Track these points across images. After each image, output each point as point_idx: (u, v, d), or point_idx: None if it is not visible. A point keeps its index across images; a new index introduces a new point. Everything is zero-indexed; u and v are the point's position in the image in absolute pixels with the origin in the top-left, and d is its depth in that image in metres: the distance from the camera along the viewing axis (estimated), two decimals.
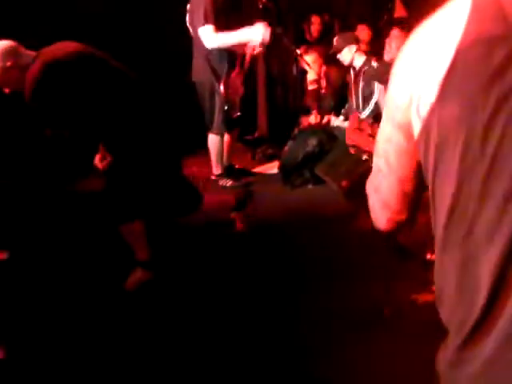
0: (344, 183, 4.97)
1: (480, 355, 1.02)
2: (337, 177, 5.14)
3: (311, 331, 3.21)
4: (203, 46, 5.19)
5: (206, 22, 5.05)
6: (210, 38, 5.08)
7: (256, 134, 6.76)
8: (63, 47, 3.36)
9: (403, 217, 1.25)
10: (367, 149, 1.48)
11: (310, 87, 6.56)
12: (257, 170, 6.13)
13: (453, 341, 1.08)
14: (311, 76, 6.50)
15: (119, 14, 5.95)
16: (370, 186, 1.29)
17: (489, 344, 1.00)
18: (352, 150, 1.52)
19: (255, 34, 5.14)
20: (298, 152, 5.53)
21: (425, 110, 1.03)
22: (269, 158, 6.34)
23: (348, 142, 1.51)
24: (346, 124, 5.56)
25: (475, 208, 1.00)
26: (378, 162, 1.22)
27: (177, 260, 4.07)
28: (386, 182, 1.22)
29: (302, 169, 5.55)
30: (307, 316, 3.38)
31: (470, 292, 1.03)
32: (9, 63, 3.36)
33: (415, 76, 1.05)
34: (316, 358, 2.97)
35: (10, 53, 3.38)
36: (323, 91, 6.59)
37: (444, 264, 1.09)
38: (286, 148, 5.69)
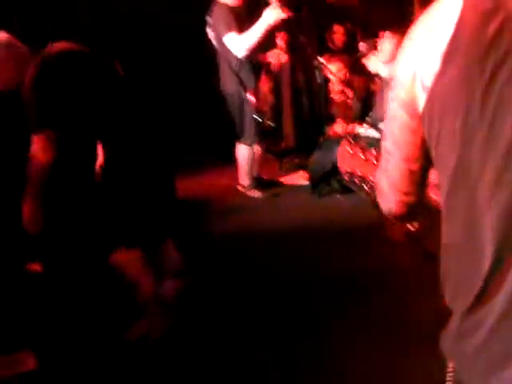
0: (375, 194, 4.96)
1: (487, 320, 1.06)
2: (366, 185, 5.12)
3: (335, 345, 3.22)
4: (229, 57, 5.24)
5: (229, 30, 5.10)
6: (237, 44, 5.12)
7: (282, 145, 6.77)
8: (61, 45, 3.27)
9: (412, 198, 1.29)
10: (360, 174, 1.53)
11: (335, 96, 6.57)
12: (284, 180, 6.13)
13: (456, 315, 1.13)
14: (335, 85, 6.51)
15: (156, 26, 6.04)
16: (379, 170, 1.34)
17: (496, 305, 1.05)
18: (346, 177, 1.56)
19: (269, 15, 5.13)
20: (324, 161, 5.53)
21: (429, 81, 1.10)
22: (296, 168, 6.35)
23: (341, 169, 1.56)
24: (370, 132, 5.56)
25: (476, 173, 1.05)
26: (385, 145, 1.28)
27: (200, 268, 4.10)
28: (393, 162, 1.26)
29: (329, 178, 5.56)
30: (332, 330, 3.38)
31: (475, 259, 1.07)
32: (4, 55, 3.26)
33: (419, 52, 1.12)
34: (343, 373, 2.98)
35: (5, 45, 3.27)
36: (348, 100, 6.59)
37: (448, 237, 1.15)
38: (313, 157, 5.70)
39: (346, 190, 5.42)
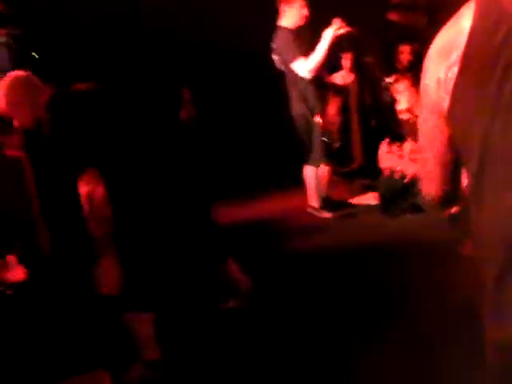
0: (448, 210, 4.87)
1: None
2: None
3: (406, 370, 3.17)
4: (295, 80, 5.30)
5: (294, 56, 5.17)
6: (304, 68, 5.17)
7: (352, 165, 6.75)
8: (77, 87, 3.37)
9: (447, 187, 1.51)
10: (399, 169, 1.72)
11: (403, 116, 6.53)
12: (354, 200, 6.11)
13: (489, 281, 1.28)
14: (403, 104, 6.47)
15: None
16: (421, 164, 1.59)
17: None
18: (386, 172, 1.74)
19: (328, 33, 5.19)
20: (395, 181, 5.49)
21: (451, 85, 1.28)
22: (366, 189, 6.31)
23: (382, 165, 1.76)
24: None
25: (498, 158, 1.22)
26: (421, 143, 1.51)
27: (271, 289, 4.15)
28: (429, 157, 1.49)
29: (400, 197, 5.50)
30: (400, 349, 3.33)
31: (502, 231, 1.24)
32: (22, 93, 3.25)
33: (441, 61, 1.30)
34: None
35: (23, 83, 3.26)
36: (416, 119, 6.53)
37: (478, 214, 1.32)
38: (383, 177, 5.67)
39: (416, 209, 5.36)
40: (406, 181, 1.62)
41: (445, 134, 1.39)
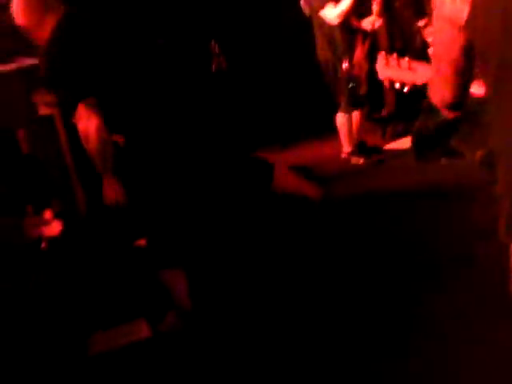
0: (479, 153, 4.84)
1: None
2: (472, 146, 5.00)
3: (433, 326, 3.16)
4: (323, 26, 5.26)
5: (324, 3, 5.12)
6: (333, 14, 5.13)
7: (385, 111, 6.71)
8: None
9: (458, 92, 1.64)
10: (399, 80, 1.85)
11: None
12: (388, 146, 6.10)
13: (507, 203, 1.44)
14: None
15: None
16: (433, 71, 1.69)
17: None
18: (386, 84, 1.84)
19: None
20: (429, 125, 5.44)
21: None
22: (400, 134, 6.28)
23: (382, 79, 1.87)
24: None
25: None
26: (436, 52, 1.63)
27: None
28: (443, 64, 1.61)
29: (435, 142, 5.46)
30: (426, 311, 3.31)
31: None
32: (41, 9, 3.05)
33: None
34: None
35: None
36: None
37: (498, 123, 1.47)
38: (417, 122, 5.62)
39: (453, 153, 5.32)
40: (405, 90, 1.72)
41: (460, 42, 1.50)
